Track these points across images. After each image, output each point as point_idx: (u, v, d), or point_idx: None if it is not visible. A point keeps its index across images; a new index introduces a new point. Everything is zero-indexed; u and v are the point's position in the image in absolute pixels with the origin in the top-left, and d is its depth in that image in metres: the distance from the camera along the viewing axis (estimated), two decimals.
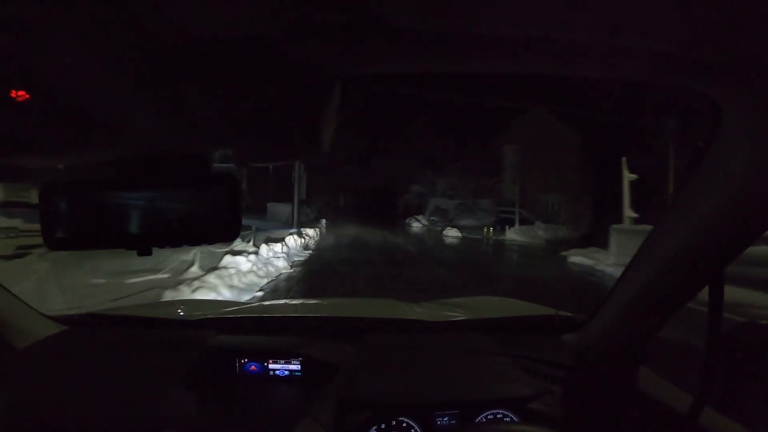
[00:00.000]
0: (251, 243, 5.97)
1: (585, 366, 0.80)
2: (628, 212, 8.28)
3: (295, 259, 6.36)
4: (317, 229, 9.28)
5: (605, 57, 0.39)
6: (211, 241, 0.51)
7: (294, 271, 5.57)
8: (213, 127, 0.44)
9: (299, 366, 0.87)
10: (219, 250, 5.04)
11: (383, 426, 0.77)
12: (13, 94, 0.41)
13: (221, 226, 0.49)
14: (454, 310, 1.10)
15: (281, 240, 6.73)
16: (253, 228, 7.02)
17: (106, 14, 0.33)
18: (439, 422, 0.77)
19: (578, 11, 0.31)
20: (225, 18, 0.34)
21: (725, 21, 0.32)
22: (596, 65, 0.42)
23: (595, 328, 0.79)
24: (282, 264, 5.58)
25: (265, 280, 4.71)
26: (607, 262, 6.74)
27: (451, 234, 13.99)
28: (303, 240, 7.68)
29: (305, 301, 1.94)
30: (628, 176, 8.00)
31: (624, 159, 8.27)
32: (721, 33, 0.33)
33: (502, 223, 14.72)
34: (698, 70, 0.40)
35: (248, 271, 4.64)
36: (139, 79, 0.37)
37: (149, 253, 0.49)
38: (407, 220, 18.50)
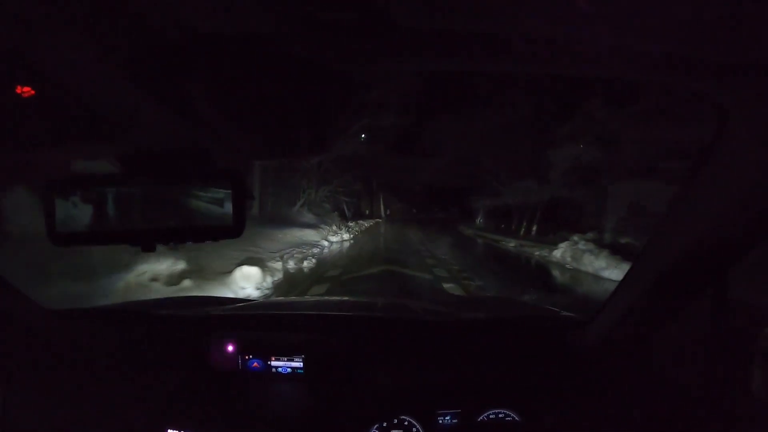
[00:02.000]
0: None
1: (588, 366, 1.08)
2: None
3: None
4: None
5: (612, 57, 0.51)
6: (214, 238, 0.63)
7: None
8: (217, 124, 0.58)
9: (302, 363, 1.15)
10: None
11: (385, 424, 1.02)
12: (19, 90, 0.50)
13: (225, 223, 0.62)
14: (458, 310, 1.46)
15: None
16: None
17: (111, 11, 0.43)
18: (440, 421, 1.03)
19: (585, 12, 0.41)
20: (231, 15, 0.45)
21: (731, 23, 0.41)
22: (603, 65, 0.54)
23: (598, 328, 1.07)
24: None
25: None
26: None
27: None
28: None
29: (309, 299, 2.81)
30: None
31: None
32: (727, 35, 0.43)
33: None
34: (704, 72, 0.51)
35: None
36: (144, 76, 0.52)
37: (153, 249, 0.64)
38: (561, 252, 9.87)
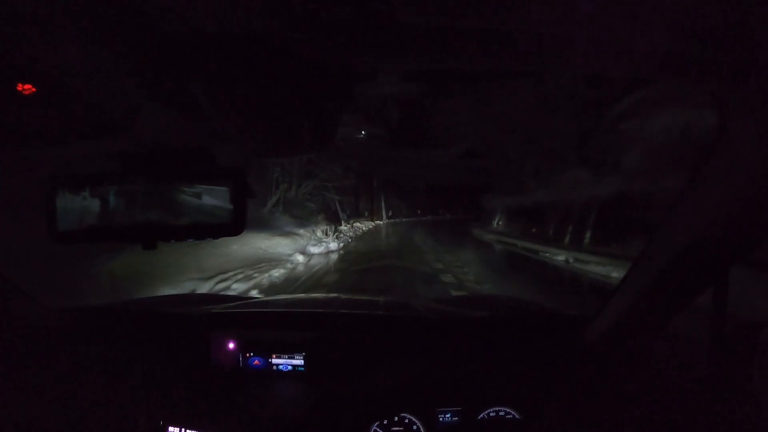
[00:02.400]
0: None
1: (589, 364, 1.37)
2: None
3: None
4: None
5: (615, 56, 0.68)
6: (215, 236, 0.84)
7: None
8: (219, 122, 0.74)
9: (303, 361, 1.50)
10: None
11: (385, 422, 1.34)
12: (20, 87, 0.65)
13: (225, 221, 0.82)
14: (460, 308, 1.94)
15: None
16: None
17: (113, 9, 0.57)
18: (441, 419, 1.35)
19: (588, 11, 0.56)
20: (232, 12, 0.59)
21: (734, 22, 0.56)
22: (606, 63, 0.73)
23: (599, 327, 1.35)
24: None
25: None
26: None
27: None
28: None
29: (310, 296, 3.39)
30: None
31: None
32: (729, 34, 0.58)
33: None
34: (706, 70, 0.69)
35: None
36: (145, 73, 0.66)
37: (153, 247, 0.85)
38: None
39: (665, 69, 0.70)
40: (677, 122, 11.75)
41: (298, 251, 12.79)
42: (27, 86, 0.68)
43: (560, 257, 12.81)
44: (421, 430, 1.36)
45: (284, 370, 1.51)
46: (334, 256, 13.34)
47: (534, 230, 18.47)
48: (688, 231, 0.98)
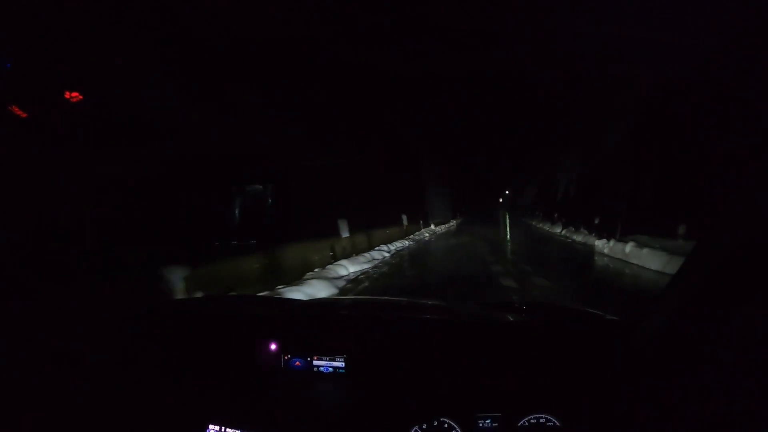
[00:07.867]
0: None
1: (631, 371, 1.28)
2: None
3: None
4: None
5: (663, 54, 1.26)
6: (260, 238, 1.58)
7: None
8: (263, 128, 2.50)
9: (343, 363, 1.56)
10: None
11: (425, 426, 1.36)
12: (67, 95, 1.74)
13: (270, 224, 1.18)
14: (501, 313, 1.87)
15: None
16: None
17: (158, 18, 1.66)
18: (480, 424, 1.35)
19: (649, 13, 0.87)
20: (275, 20, 1.67)
21: None
22: (655, 61, 1.63)
23: (642, 334, 1.27)
24: None
25: None
26: None
27: None
28: None
29: (352, 299, 3.98)
30: None
31: None
32: None
33: None
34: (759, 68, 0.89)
35: None
36: (191, 81, 2.41)
37: (200, 248, 2.62)
38: None
39: (722, 63, 0.72)
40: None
41: None
42: (74, 94, 1.16)
43: None
44: None
45: (325, 371, 1.51)
46: None
47: None
48: (740, 233, 0.89)
